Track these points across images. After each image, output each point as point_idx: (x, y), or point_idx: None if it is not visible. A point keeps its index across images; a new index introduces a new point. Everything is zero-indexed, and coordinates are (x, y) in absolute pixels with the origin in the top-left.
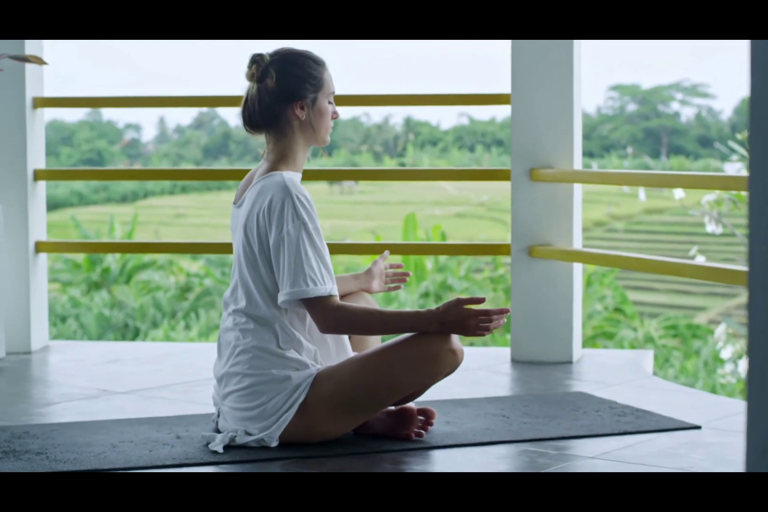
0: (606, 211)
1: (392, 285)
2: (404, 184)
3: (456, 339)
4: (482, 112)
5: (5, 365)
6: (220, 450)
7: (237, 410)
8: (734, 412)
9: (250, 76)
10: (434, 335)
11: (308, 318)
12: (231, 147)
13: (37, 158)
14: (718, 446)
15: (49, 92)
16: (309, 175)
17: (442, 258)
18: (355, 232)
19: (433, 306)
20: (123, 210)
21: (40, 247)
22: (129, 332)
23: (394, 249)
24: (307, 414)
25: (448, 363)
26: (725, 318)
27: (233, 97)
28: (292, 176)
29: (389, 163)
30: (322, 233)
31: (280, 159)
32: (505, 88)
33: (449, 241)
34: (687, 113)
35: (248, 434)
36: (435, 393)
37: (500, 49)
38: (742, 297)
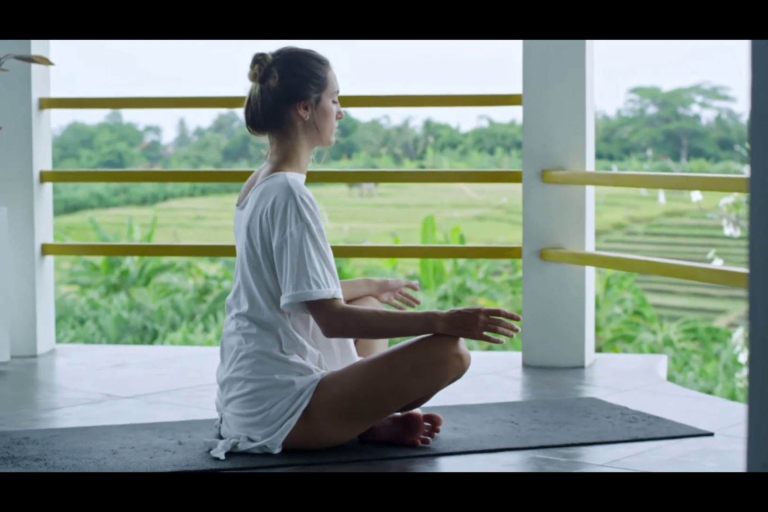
0: (625, 213)
1: (397, 303)
2: (424, 186)
3: (463, 344)
4: (502, 115)
5: (10, 369)
6: (222, 456)
7: (239, 416)
8: None
9: (253, 76)
10: (440, 340)
11: (312, 322)
12: (251, 149)
13: (43, 159)
14: (730, 453)
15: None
16: (313, 177)
17: (461, 260)
18: (375, 235)
19: (452, 308)
20: (142, 212)
21: (46, 249)
22: (147, 334)
23: (405, 252)
24: (311, 421)
25: (455, 369)
26: (743, 322)
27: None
28: (295, 177)
29: (409, 166)
30: (326, 235)
31: (283, 160)
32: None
33: (459, 244)
34: (707, 116)
35: (251, 440)
36: (443, 399)
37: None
38: None
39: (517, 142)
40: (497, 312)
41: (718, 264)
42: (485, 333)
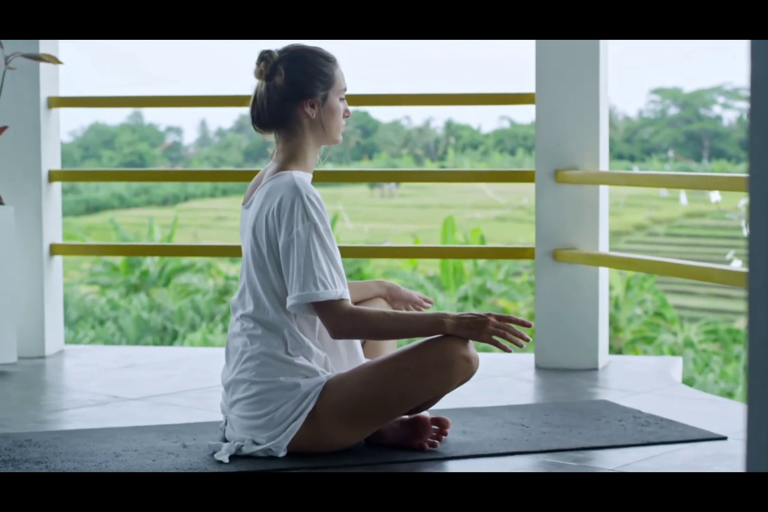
0: (647, 214)
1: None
2: (445, 187)
3: (471, 346)
4: (523, 115)
5: (17, 370)
6: (226, 460)
7: (244, 418)
8: None
9: (259, 74)
10: (448, 342)
11: (318, 323)
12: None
13: (52, 159)
14: (743, 458)
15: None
16: (319, 176)
17: (481, 261)
18: (396, 235)
19: (472, 309)
20: (164, 213)
21: (54, 249)
22: (167, 335)
23: (415, 252)
24: (316, 423)
25: (463, 371)
26: None
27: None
28: (302, 176)
29: (430, 167)
30: (333, 235)
31: (289, 159)
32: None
33: (471, 244)
34: (729, 116)
35: (255, 443)
36: (453, 401)
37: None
38: None
39: None
40: (508, 319)
41: (736, 265)
42: (494, 337)
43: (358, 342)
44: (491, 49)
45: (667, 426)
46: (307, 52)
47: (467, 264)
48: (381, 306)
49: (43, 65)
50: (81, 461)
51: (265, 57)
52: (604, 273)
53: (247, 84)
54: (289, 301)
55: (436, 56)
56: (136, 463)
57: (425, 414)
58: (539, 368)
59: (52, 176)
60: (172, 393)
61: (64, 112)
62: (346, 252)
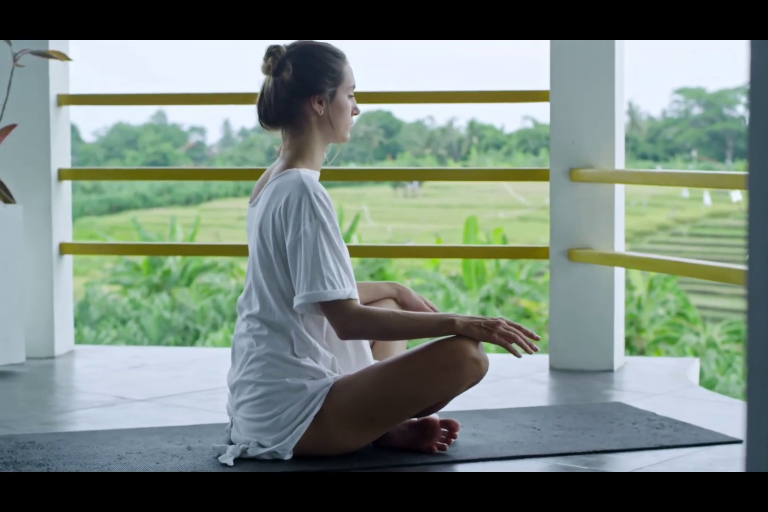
0: (670, 214)
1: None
2: (468, 187)
3: (481, 347)
4: (547, 115)
5: (25, 370)
6: (230, 463)
7: (249, 420)
8: None
9: (266, 69)
10: (457, 343)
11: (326, 324)
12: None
13: (61, 157)
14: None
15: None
16: (326, 175)
17: (503, 261)
18: (419, 235)
19: (494, 310)
20: (186, 212)
21: (64, 248)
22: (189, 335)
23: (432, 252)
24: (323, 426)
25: (472, 373)
26: None
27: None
28: (309, 174)
29: (453, 166)
30: (341, 233)
31: (296, 156)
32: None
33: (485, 244)
34: None
35: (261, 446)
36: (465, 403)
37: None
38: None
39: None
40: (519, 327)
41: None
42: (503, 339)
43: (366, 344)
44: (516, 48)
45: (681, 429)
46: (316, 48)
47: (489, 264)
48: (390, 308)
49: (52, 62)
50: (83, 464)
51: (272, 52)
52: (620, 273)
53: (254, 82)
54: (296, 301)
55: (464, 56)
56: (139, 466)
57: (434, 416)
58: (553, 369)
59: (62, 175)
60: (180, 394)
61: (87, 112)
62: (354, 251)
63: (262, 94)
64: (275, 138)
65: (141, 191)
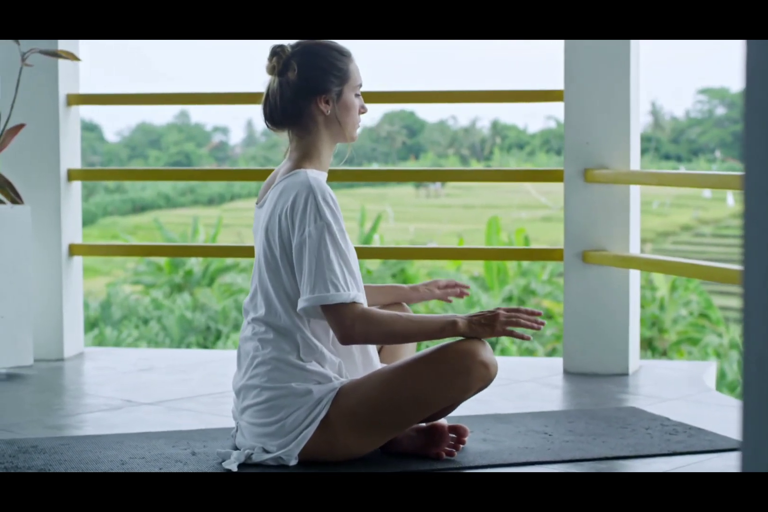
0: (693, 215)
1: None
2: (490, 187)
3: (489, 351)
4: None
5: (33, 373)
6: (235, 468)
7: (254, 425)
8: None
9: (271, 69)
10: (465, 347)
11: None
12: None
13: (71, 157)
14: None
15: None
16: (338, 176)
17: (526, 261)
18: (441, 236)
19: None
20: (209, 212)
21: (73, 249)
22: (211, 335)
23: (446, 253)
24: (329, 431)
25: (480, 378)
26: None
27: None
28: (316, 175)
29: (476, 167)
30: (347, 236)
31: (303, 157)
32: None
33: (498, 246)
34: None
35: (266, 451)
36: (475, 408)
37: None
38: None
39: None
40: (517, 309)
41: None
42: (508, 328)
43: (373, 348)
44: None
45: (695, 434)
46: (321, 47)
47: (511, 265)
48: (400, 310)
49: (62, 62)
50: (85, 469)
51: (277, 52)
52: (635, 275)
53: (256, 81)
54: (300, 304)
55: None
56: (141, 471)
57: (443, 421)
58: (567, 373)
59: (71, 175)
60: (187, 397)
61: (111, 112)
62: (369, 253)
63: (267, 94)
64: (282, 139)
65: (164, 191)
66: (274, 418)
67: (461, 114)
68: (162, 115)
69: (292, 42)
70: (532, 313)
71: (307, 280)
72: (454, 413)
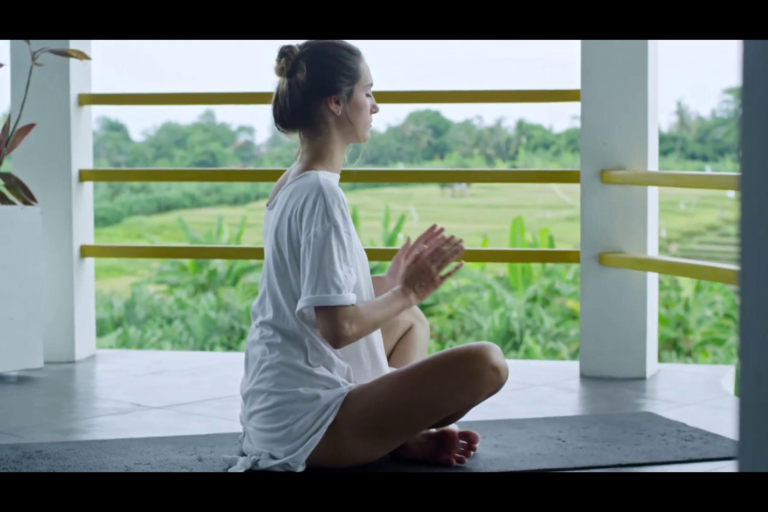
0: (719, 215)
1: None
2: (515, 187)
3: (499, 354)
4: None
5: (43, 375)
6: None
7: (261, 431)
8: None
9: (279, 71)
10: (475, 351)
11: None
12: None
13: (83, 158)
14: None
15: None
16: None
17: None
18: (466, 235)
19: (540, 311)
20: (234, 212)
21: (85, 251)
22: (235, 334)
23: (464, 256)
24: (337, 437)
25: (491, 382)
26: None
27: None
28: (327, 177)
29: (501, 166)
30: (356, 239)
31: (315, 158)
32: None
33: (516, 248)
34: None
35: (273, 458)
36: (489, 412)
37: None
38: None
39: None
40: (437, 251)
41: None
42: (441, 273)
43: (382, 352)
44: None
45: (712, 441)
46: (330, 46)
47: (536, 265)
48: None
49: (74, 62)
50: None
51: (285, 52)
52: (653, 278)
53: (264, 81)
54: (299, 304)
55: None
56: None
57: (453, 427)
58: (584, 377)
59: (83, 175)
60: (198, 401)
61: (136, 112)
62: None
63: (276, 96)
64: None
65: (189, 191)
66: (282, 424)
67: (487, 114)
68: (187, 115)
69: (301, 42)
70: (448, 241)
71: (308, 281)
72: (468, 418)
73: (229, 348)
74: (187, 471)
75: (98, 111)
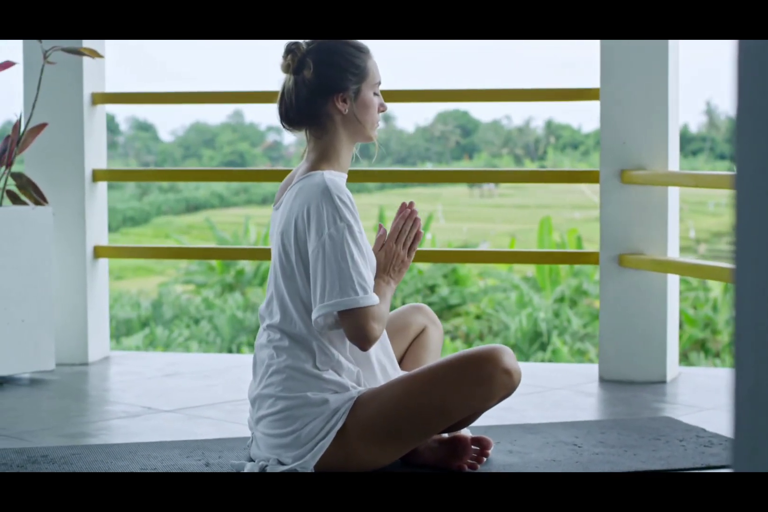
0: None
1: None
2: (544, 187)
3: (512, 357)
4: None
5: (55, 378)
6: None
7: (269, 436)
8: None
9: (286, 68)
10: (487, 354)
11: None
12: (371, 150)
13: (96, 157)
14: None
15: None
16: (355, 176)
17: None
18: (494, 236)
19: (568, 311)
20: (262, 212)
21: (98, 251)
22: None
23: (480, 257)
24: (346, 442)
25: (503, 386)
26: None
27: None
28: (333, 176)
29: (530, 166)
30: (365, 239)
31: (321, 158)
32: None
33: (533, 249)
34: None
35: (281, 463)
36: (504, 417)
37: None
38: None
39: None
40: (395, 230)
41: None
42: (411, 251)
43: (392, 355)
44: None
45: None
46: (337, 43)
47: (563, 265)
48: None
49: (87, 60)
50: None
51: (292, 49)
52: (673, 280)
53: (274, 80)
54: (321, 310)
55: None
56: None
57: (466, 432)
58: (603, 380)
59: (96, 175)
60: (209, 404)
61: (165, 112)
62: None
63: (282, 93)
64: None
65: (217, 190)
66: (290, 429)
67: (515, 114)
68: (216, 115)
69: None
70: (401, 213)
71: (329, 284)
72: (483, 422)
73: None
74: None
75: (127, 111)
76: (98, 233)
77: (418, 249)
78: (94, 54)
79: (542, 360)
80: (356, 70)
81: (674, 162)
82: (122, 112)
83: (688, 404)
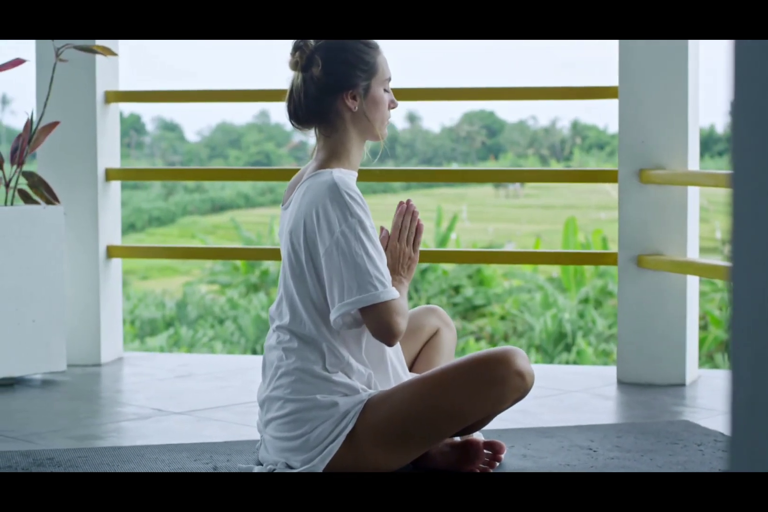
0: None
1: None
2: (569, 187)
3: (525, 360)
4: None
5: (66, 379)
6: None
7: (278, 439)
8: None
9: (294, 65)
10: (498, 355)
11: (365, 337)
12: (397, 150)
13: (109, 157)
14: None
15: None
16: (362, 175)
17: None
18: (520, 236)
19: (593, 312)
20: None
21: (112, 251)
22: None
23: (498, 257)
24: (356, 446)
25: (516, 388)
26: None
27: None
28: (342, 175)
29: (555, 167)
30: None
31: (331, 156)
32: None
33: (551, 250)
34: None
35: (289, 467)
36: (519, 420)
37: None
38: None
39: None
40: (396, 228)
41: None
42: (416, 246)
43: (402, 358)
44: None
45: None
46: (346, 40)
47: (588, 266)
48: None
49: (100, 58)
50: None
51: (300, 46)
52: (693, 281)
53: (280, 78)
54: (341, 309)
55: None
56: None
57: (478, 436)
58: (621, 383)
59: (110, 175)
60: (220, 406)
61: (191, 111)
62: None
63: (291, 91)
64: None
65: (243, 191)
66: (298, 432)
67: (541, 114)
68: (242, 115)
69: None
70: (402, 213)
71: (347, 282)
72: (498, 426)
73: None
74: None
75: (153, 111)
76: (111, 233)
77: (443, 249)
78: (107, 52)
79: (567, 362)
80: (365, 67)
81: (694, 161)
82: (148, 112)
83: (708, 407)
